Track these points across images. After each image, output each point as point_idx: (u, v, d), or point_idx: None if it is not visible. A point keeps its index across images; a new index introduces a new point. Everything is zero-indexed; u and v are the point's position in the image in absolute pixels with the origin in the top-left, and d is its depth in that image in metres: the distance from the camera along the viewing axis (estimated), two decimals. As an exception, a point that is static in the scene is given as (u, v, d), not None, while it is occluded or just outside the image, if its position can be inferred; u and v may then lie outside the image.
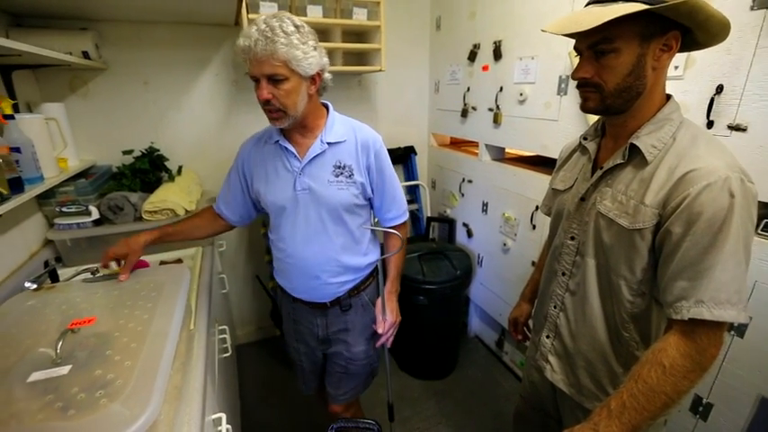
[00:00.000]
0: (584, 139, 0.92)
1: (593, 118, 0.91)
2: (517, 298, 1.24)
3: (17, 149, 1.19)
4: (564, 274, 0.91)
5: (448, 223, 2.36)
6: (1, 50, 1.02)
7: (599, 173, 0.82)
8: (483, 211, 2.06)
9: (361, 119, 2.26)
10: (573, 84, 1.40)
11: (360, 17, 1.79)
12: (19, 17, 1.51)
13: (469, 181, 2.15)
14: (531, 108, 1.64)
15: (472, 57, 1.94)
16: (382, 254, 1.24)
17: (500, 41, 1.75)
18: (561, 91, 1.48)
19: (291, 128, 1.06)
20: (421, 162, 2.53)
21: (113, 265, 1.18)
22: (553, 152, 1.54)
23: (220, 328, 1.51)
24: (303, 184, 1.08)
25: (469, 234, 2.21)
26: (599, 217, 0.80)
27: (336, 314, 1.22)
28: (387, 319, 1.22)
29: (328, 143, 1.08)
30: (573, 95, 1.43)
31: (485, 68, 1.88)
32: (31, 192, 1.20)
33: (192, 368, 0.94)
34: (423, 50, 2.35)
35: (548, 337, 0.97)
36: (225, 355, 1.52)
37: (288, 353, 1.40)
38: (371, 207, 1.22)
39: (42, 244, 1.47)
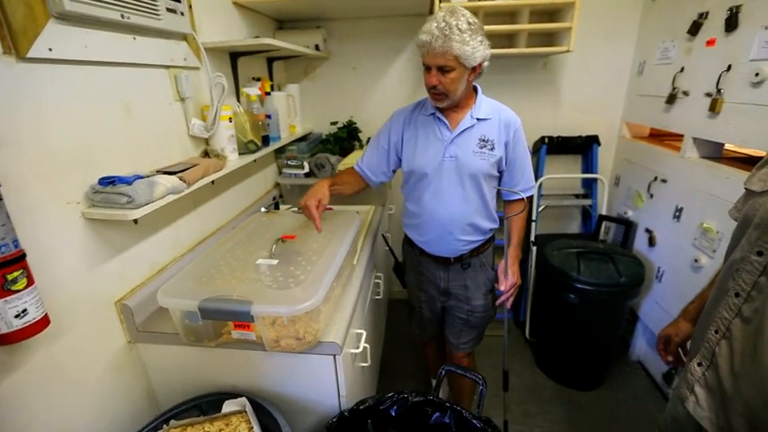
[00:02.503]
0: None
1: None
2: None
3: (269, 116, 1.71)
4: (738, 294, 0.75)
5: (626, 226, 2.06)
6: (270, 47, 1.49)
7: None
8: (675, 217, 1.73)
9: (540, 103, 2.22)
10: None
11: (552, -6, 1.71)
12: (281, 22, 2.10)
13: (663, 180, 1.82)
14: (770, 93, 1.27)
15: (694, 29, 1.60)
16: (501, 225, 1.34)
17: (739, 6, 1.39)
18: (824, 69, 1.10)
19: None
20: (605, 155, 2.25)
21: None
22: (792, 151, 1.17)
23: (377, 274, 1.82)
24: (451, 152, 1.23)
25: (651, 242, 1.88)
26: None
27: (457, 270, 1.36)
28: (509, 278, 1.31)
29: (477, 119, 1.22)
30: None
31: (710, 43, 1.53)
32: (273, 146, 1.71)
33: (349, 289, 1.23)
34: (629, 25, 2.04)
35: (699, 364, 0.82)
36: (377, 297, 1.83)
37: (410, 301, 1.60)
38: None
39: (273, 185, 2.07)
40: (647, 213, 1.95)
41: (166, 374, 1.12)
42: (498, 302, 1.34)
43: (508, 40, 2.04)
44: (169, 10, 1.08)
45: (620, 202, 2.20)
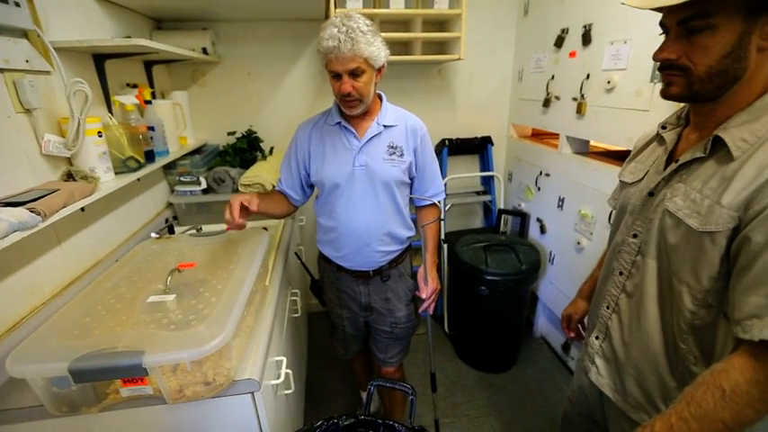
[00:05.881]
0: (663, 128, 0.85)
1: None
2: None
3: (152, 128, 1.49)
4: (621, 273, 0.86)
5: (521, 217, 2.28)
6: (147, 50, 1.30)
7: (673, 166, 0.75)
8: (559, 206, 1.96)
9: (438, 108, 2.33)
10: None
11: (441, 6, 1.82)
12: (159, 21, 1.86)
13: (547, 174, 2.06)
14: (620, 97, 1.51)
15: (559, 42, 1.84)
16: (416, 232, 1.36)
17: (590, 25, 1.63)
18: (655, 78, 1.34)
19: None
20: (498, 153, 2.47)
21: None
22: (640, 146, 1.41)
23: (293, 291, 1.71)
24: (361, 161, 1.20)
25: (543, 230, 2.12)
26: (666, 215, 0.74)
27: (377, 283, 1.35)
28: (429, 285, 1.31)
29: (384, 125, 1.22)
30: (668, 83, 1.29)
31: (572, 55, 1.77)
32: (160, 162, 1.50)
33: (263, 315, 1.12)
34: (508, 38, 2.28)
35: (596, 338, 0.93)
36: (295, 315, 1.72)
37: (331, 319, 1.55)
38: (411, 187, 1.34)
39: (165, 206, 1.82)
40: (536, 204, 2.18)
41: (31, 458, 0.89)
42: (421, 309, 1.34)
43: (404, 47, 2.11)
44: (-4, -1, 0.86)
45: (513, 195, 2.44)
